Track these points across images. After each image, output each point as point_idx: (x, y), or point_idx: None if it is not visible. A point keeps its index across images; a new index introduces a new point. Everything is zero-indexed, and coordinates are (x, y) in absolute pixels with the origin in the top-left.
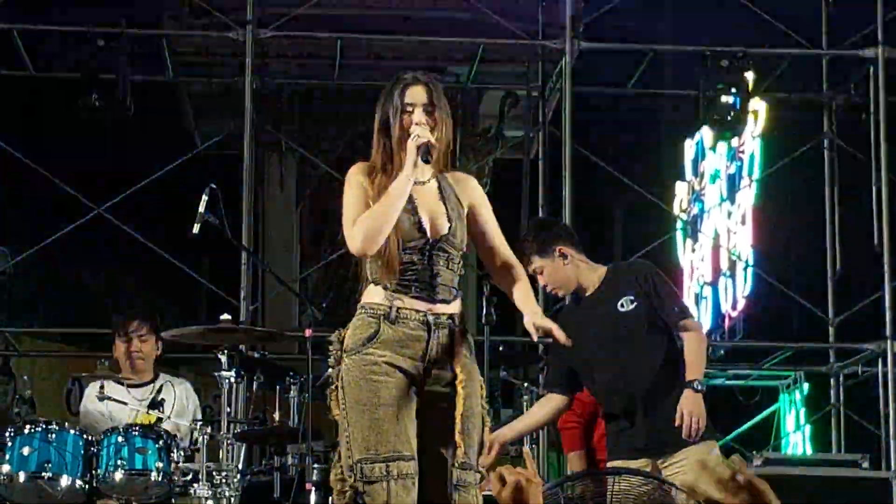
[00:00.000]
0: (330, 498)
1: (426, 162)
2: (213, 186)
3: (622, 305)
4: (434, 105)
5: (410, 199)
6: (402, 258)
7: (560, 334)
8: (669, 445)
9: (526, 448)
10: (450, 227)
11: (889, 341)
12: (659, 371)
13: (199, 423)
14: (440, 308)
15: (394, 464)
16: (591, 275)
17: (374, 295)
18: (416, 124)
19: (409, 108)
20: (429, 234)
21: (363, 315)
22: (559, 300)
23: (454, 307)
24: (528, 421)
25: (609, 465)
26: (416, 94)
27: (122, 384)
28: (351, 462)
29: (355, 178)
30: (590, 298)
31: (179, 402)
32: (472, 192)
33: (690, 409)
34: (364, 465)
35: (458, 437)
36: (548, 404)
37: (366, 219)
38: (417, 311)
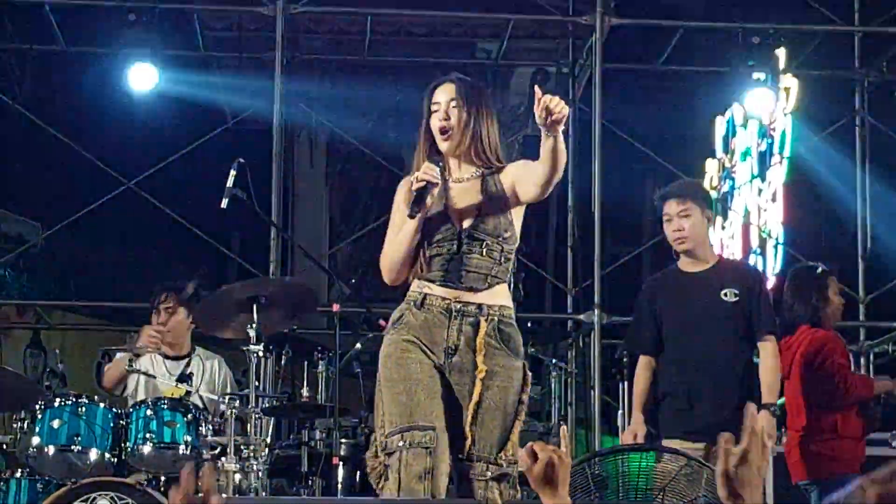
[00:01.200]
0: (358, 472)
1: (412, 216)
2: (241, 161)
3: (725, 295)
4: (461, 99)
5: (445, 196)
6: (432, 251)
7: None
8: (736, 435)
9: (564, 427)
10: (479, 215)
11: None
12: (736, 365)
13: (228, 398)
14: (467, 296)
15: (408, 433)
16: (708, 254)
17: (413, 284)
18: (424, 167)
19: (435, 108)
20: (455, 224)
21: (402, 302)
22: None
23: (486, 296)
24: (643, 391)
25: (664, 444)
26: (441, 92)
27: (161, 355)
28: (383, 438)
29: (397, 197)
30: (693, 275)
31: (209, 375)
32: (510, 174)
33: (767, 431)
34: (388, 439)
35: (466, 429)
36: (649, 367)
37: (384, 257)
38: (443, 299)
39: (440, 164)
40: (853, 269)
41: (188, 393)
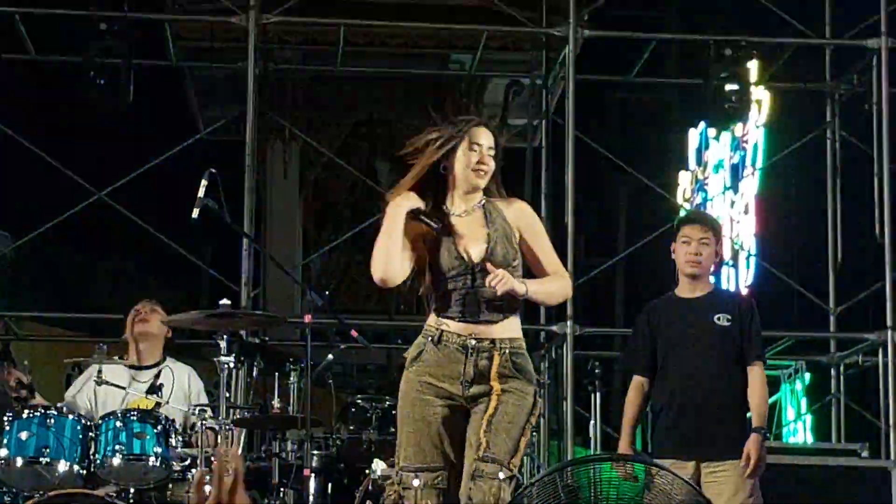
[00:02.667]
0: (329, 484)
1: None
2: (213, 171)
3: (718, 319)
4: (493, 149)
5: (451, 231)
6: (446, 286)
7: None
8: (718, 453)
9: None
10: (487, 248)
11: (890, 331)
12: (728, 386)
13: (198, 409)
14: (482, 331)
15: (423, 474)
16: (706, 283)
17: (430, 318)
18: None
19: (475, 147)
20: (467, 260)
21: (421, 336)
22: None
23: (500, 329)
24: (633, 416)
25: (656, 462)
26: (485, 136)
27: (126, 366)
28: (398, 468)
29: (398, 205)
30: (688, 300)
31: (179, 386)
32: (521, 218)
33: (757, 453)
34: (403, 472)
35: (481, 434)
36: (641, 390)
37: (375, 258)
38: (459, 336)
39: (420, 215)
40: (824, 280)
41: (158, 404)
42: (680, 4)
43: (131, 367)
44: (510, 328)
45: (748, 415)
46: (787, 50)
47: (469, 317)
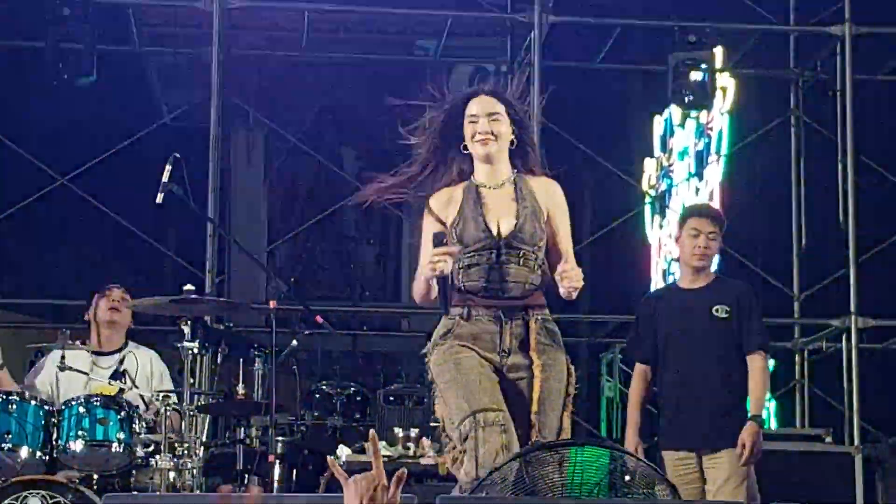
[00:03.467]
0: (294, 470)
1: (446, 312)
2: (177, 156)
3: (717, 311)
4: (498, 113)
5: (480, 203)
6: (469, 260)
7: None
8: (715, 442)
9: (372, 432)
10: (516, 224)
11: (853, 317)
12: (725, 378)
13: (162, 395)
14: (511, 304)
15: (481, 414)
16: (708, 274)
17: (454, 299)
18: (435, 253)
19: (473, 119)
20: (494, 234)
21: (445, 318)
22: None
23: (529, 301)
24: (637, 403)
25: (662, 453)
26: (477, 104)
27: (88, 351)
28: (456, 429)
29: (424, 223)
30: (690, 291)
31: (142, 372)
32: (552, 198)
33: (753, 440)
34: (461, 426)
35: (532, 418)
36: (644, 378)
37: (414, 289)
38: (488, 308)
39: (443, 240)
40: (788, 266)
41: (122, 390)
42: None
43: (94, 352)
44: (537, 299)
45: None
46: (751, 36)
47: (493, 294)
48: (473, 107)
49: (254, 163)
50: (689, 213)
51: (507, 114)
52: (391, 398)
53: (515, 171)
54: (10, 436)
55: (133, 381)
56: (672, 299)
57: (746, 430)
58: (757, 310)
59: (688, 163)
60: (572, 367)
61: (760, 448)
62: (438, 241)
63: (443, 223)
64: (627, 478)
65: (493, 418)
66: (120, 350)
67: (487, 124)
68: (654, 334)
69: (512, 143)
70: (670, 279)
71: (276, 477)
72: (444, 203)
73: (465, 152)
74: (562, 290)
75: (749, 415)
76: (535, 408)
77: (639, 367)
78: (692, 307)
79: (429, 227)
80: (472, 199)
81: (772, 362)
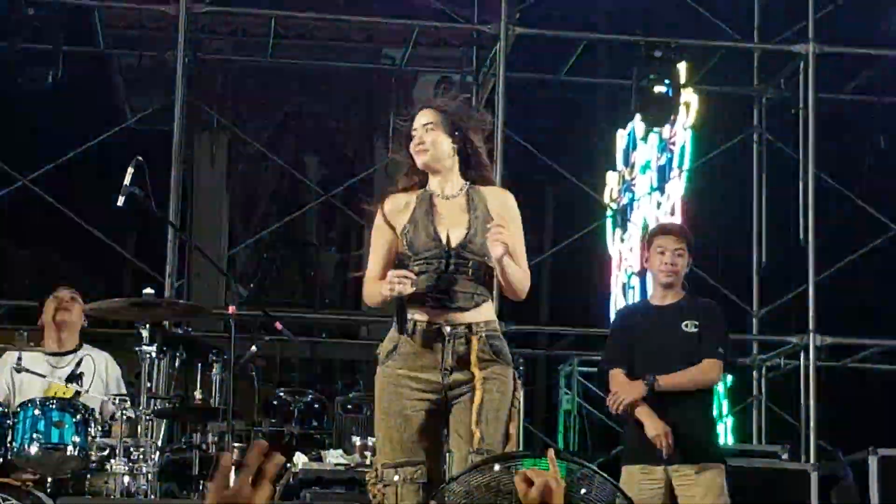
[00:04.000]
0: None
1: (401, 332)
2: (140, 159)
3: (686, 326)
4: (437, 123)
5: (432, 212)
6: (418, 267)
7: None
8: (684, 457)
9: (551, 451)
10: (467, 235)
11: (812, 335)
12: (691, 392)
13: (118, 398)
14: (456, 317)
15: (402, 469)
16: (678, 291)
17: (405, 311)
18: (393, 275)
19: (413, 132)
20: (444, 243)
21: (392, 330)
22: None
23: (474, 315)
24: (625, 377)
25: (624, 468)
26: (419, 117)
27: (44, 353)
28: (377, 465)
29: (377, 220)
30: (660, 307)
31: (97, 374)
32: (503, 208)
33: (627, 388)
34: (383, 469)
35: (473, 427)
36: (622, 372)
37: (365, 292)
38: (433, 324)
39: (404, 262)
40: (748, 282)
41: (77, 393)
42: (611, 5)
43: (49, 353)
44: (485, 312)
45: (715, 417)
46: (715, 53)
47: (441, 303)
48: (416, 120)
49: (217, 167)
50: (654, 232)
51: (447, 124)
52: (349, 406)
53: (469, 182)
54: None
55: (90, 385)
56: (644, 316)
57: (632, 384)
58: (719, 323)
59: (650, 177)
60: (518, 382)
61: (626, 396)
62: (399, 262)
63: (392, 228)
64: (584, 491)
65: (413, 474)
66: (74, 351)
67: (422, 135)
68: (629, 347)
69: (460, 153)
70: (630, 293)
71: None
72: (398, 208)
73: (415, 165)
74: (493, 253)
75: (655, 378)
76: (474, 418)
77: (617, 370)
78: (664, 323)
79: (377, 232)
80: (425, 206)
81: (729, 378)
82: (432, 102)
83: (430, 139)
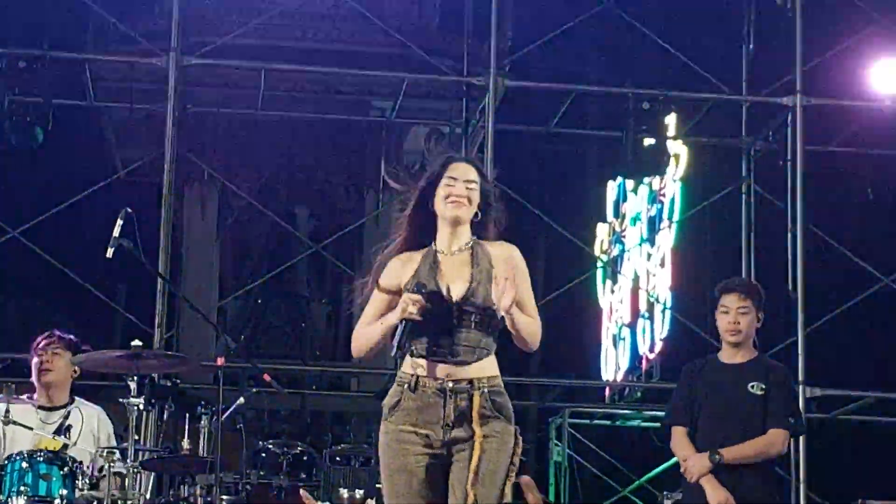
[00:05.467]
0: None
1: (399, 350)
2: (129, 210)
3: (752, 388)
4: (475, 183)
5: (436, 268)
6: (422, 324)
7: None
8: None
9: (527, 477)
10: (469, 289)
11: (801, 386)
12: None
13: (106, 451)
14: (460, 373)
15: None
16: (749, 348)
17: (404, 363)
18: (406, 298)
19: (450, 182)
20: (447, 297)
21: (395, 384)
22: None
23: (477, 369)
24: (690, 444)
25: None
26: (460, 169)
27: (34, 406)
28: None
29: (375, 274)
30: (729, 366)
31: (88, 428)
32: (508, 263)
33: (695, 461)
34: None
35: (469, 488)
36: (686, 433)
37: (356, 338)
38: (435, 379)
39: (423, 290)
40: None
41: (66, 445)
42: (600, 58)
43: (40, 407)
44: (487, 368)
45: (774, 473)
46: (704, 105)
47: (443, 357)
48: (453, 170)
49: (207, 219)
50: (719, 291)
51: (480, 186)
52: (337, 458)
53: (474, 237)
54: None
55: (77, 437)
56: (711, 372)
57: (698, 457)
58: (786, 389)
59: (640, 228)
60: (520, 438)
61: (695, 472)
62: (417, 289)
63: (388, 290)
64: None
65: None
66: (67, 405)
67: (464, 189)
68: (694, 402)
69: (476, 215)
70: (621, 344)
71: None
72: (402, 263)
73: (432, 212)
74: (502, 306)
75: (720, 453)
76: (470, 478)
77: (679, 429)
78: (731, 382)
79: (375, 292)
80: (429, 263)
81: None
82: (470, 159)
83: (470, 195)
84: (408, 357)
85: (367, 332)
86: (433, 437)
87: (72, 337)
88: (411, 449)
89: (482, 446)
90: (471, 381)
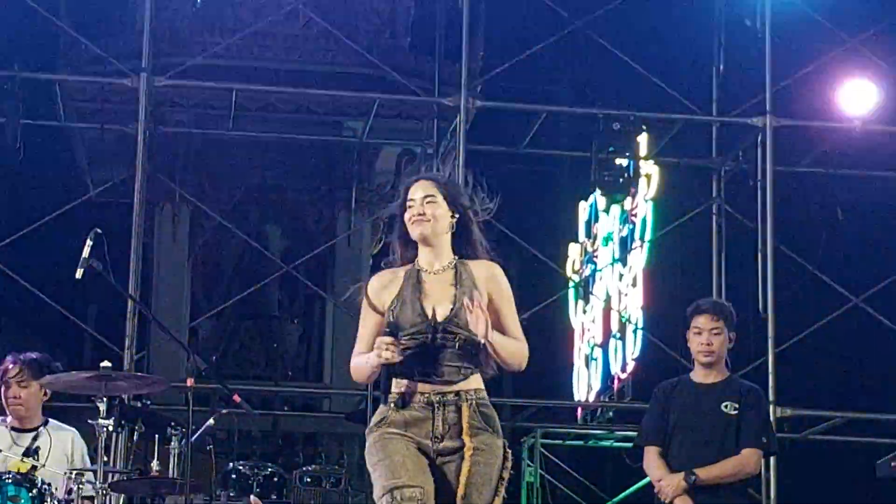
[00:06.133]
0: None
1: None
2: (98, 231)
3: (726, 407)
4: (437, 195)
5: (420, 288)
6: (404, 342)
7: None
8: None
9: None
10: (452, 310)
11: (773, 406)
12: None
13: (75, 473)
14: (445, 389)
15: (398, 490)
16: (722, 369)
17: (391, 383)
18: (380, 343)
19: (410, 203)
20: (430, 318)
21: (382, 405)
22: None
23: (462, 385)
24: (662, 463)
25: None
26: (418, 189)
27: (7, 427)
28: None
29: (364, 301)
30: (703, 386)
31: (61, 450)
32: (491, 281)
33: (669, 482)
34: (379, 500)
35: (459, 501)
36: (658, 452)
37: (353, 368)
38: (422, 394)
39: (395, 331)
40: None
41: (34, 467)
42: (571, 78)
43: (13, 428)
44: (473, 382)
45: (747, 494)
46: (675, 126)
47: (428, 377)
48: (413, 191)
49: (178, 239)
50: (691, 313)
51: (444, 197)
52: (308, 479)
53: (457, 256)
54: None
55: (46, 459)
56: (684, 392)
57: (673, 477)
58: (760, 409)
59: (612, 248)
60: (509, 452)
61: (664, 495)
62: (390, 331)
63: (379, 306)
64: None
65: (410, 494)
66: (38, 428)
67: (422, 206)
68: (667, 421)
69: (452, 226)
70: (593, 364)
71: None
72: (382, 286)
73: (409, 237)
74: (478, 335)
75: (695, 474)
76: (461, 491)
77: (652, 448)
78: (704, 402)
79: (365, 311)
80: (412, 282)
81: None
82: (430, 175)
83: (431, 211)
84: (393, 377)
85: (358, 367)
86: (422, 445)
87: (37, 358)
88: (397, 440)
89: (473, 458)
90: (458, 394)
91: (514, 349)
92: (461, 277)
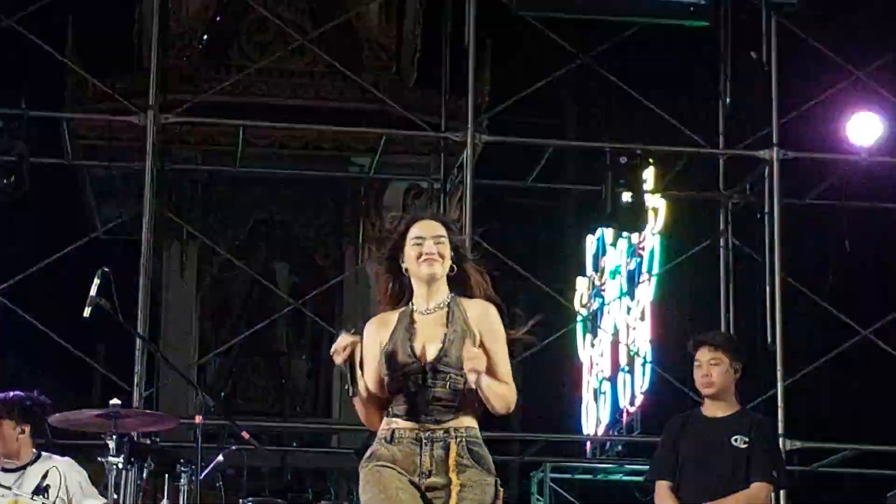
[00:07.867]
0: None
1: (352, 395)
2: (106, 270)
3: (735, 441)
4: (443, 237)
5: (411, 328)
6: (397, 385)
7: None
8: None
9: None
10: (441, 349)
11: (782, 439)
12: None
13: None
14: (433, 426)
15: None
16: (731, 401)
17: (382, 422)
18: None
19: (418, 241)
20: (420, 358)
21: (374, 441)
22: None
23: (453, 423)
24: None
25: None
26: (425, 227)
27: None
28: None
29: (365, 340)
30: (712, 419)
31: (65, 483)
32: (484, 322)
33: None
34: None
35: None
36: (669, 488)
37: (358, 409)
38: (410, 430)
39: (352, 329)
40: None
41: None
42: (578, 112)
43: (5, 470)
44: (465, 420)
45: None
46: (681, 159)
47: (418, 416)
48: (417, 230)
49: (186, 276)
50: (691, 346)
51: (449, 239)
52: None
53: (452, 294)
54: None
55: (57, 495)
56: (694, 426)
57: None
58: (770, 443)
59: (619, 282)
60: (501, 490)
61: None
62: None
63: (373, 350)
64: None
65: None
66: (32, 463)
67: (433, 245)
68: (677, 456)
69: (452, 269)
70: (602, 398)
71: None
72: (377, 328)
73: (405, 276)
74: (469, 379)
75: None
76: None
77: (663, 483)
78: (714, 436)
79: (366, 352)
80: (405, 324)
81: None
82: (437, 216)
83: (442, 251)
84: (384, 416)
85: (359, 410)
86: (411, 479)
87: (13, 397)
88: (390, 477)
89: (459, 495)
90: (447, 431)
91: (502, 393)
92: (453, 317)
